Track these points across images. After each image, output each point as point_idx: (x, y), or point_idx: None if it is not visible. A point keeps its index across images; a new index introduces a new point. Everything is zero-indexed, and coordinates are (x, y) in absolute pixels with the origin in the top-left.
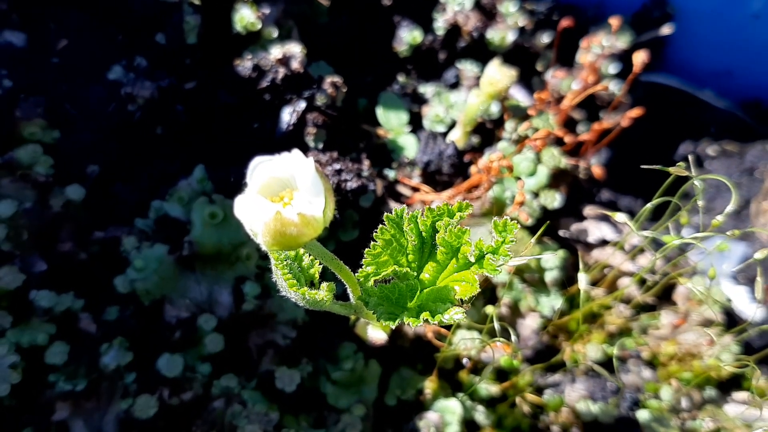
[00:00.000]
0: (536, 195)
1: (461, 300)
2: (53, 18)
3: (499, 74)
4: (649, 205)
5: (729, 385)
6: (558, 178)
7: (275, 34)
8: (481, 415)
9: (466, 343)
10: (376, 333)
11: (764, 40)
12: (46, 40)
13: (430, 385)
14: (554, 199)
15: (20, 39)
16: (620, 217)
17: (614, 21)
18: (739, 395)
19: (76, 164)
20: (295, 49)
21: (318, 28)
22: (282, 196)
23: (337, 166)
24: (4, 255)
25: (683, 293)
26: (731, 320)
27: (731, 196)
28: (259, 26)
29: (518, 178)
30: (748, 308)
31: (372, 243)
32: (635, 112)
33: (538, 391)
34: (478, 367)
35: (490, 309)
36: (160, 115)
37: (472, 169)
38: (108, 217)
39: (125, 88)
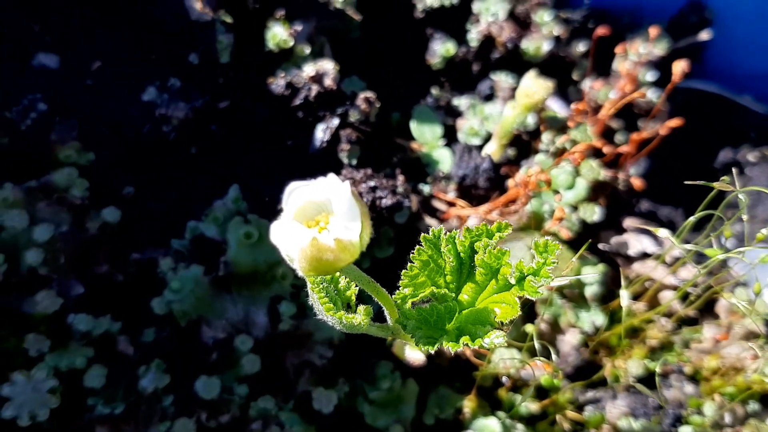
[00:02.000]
0: (575, 208)
1: (501, 323)
2: (86, 39)
3: (535, 86)
4: (692, 219)
5: None
6: (597, 191)
7: (308, 50)
8: None
9: (505, 361)
10: (414, 354)
11: None
12: (79, 62)
13: (468, 404)
14: (594, 213)
15: (54, 61)
16: (663, 232)
17: (653, 30)
18: None
19: (111, 186)
20: (327, 66)
21: (350, 43)
22: (318, 220)
23: (372, 183)
24: (42, 279)
25: (726, 306)
26: None
27: None
28: (292, 43)
29: (556, 192)
30: None
31: (409, 264)
32: (675, 122)
33: (579, 408)
34: (517, 385)
35: (530, 327)
36: (194, 136)
37: (509, 182)
38: (144, 238)
39: (159, 110)
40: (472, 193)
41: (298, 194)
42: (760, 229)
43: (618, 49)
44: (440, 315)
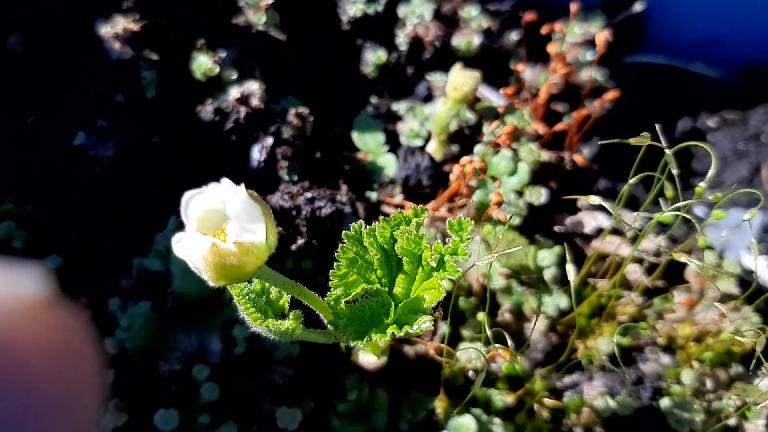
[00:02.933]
0: (521, 194)
1: (433, 308)
2: (20, 96)
3: (462, 78)
4: (632, 181)
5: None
6: (544, 174)
7: (234, 75)
8: (498, 428)
9: (470, 356)
10: (367, 357)
11: (746, 5)
12: (14, 119)
13: (439, 404)
14: (540, 195)
15: None
16: (594, 199)
17: (573, 5)
18: None
19: (53, 234)
20: (253, 87)
21: (281, 64)
22: (223, 228)
23: (309, 195)
24: None
25: (694, 272)
26: (750, 293)
27: (741, 166)
28: (218, 70)
29: (494, 179)
30: None
31: (335, 263)
32: (612, 94)
33: (557, 394)
34: (490, 379)
35: (481, 316)
36: (128, 173)
37: (451, 177)
38: (91, 280)
39: (90, 152)
40: (418, 192)
41: (194, 204)
42: (728, 191)
43: (546, 30)
44: (373, 311)
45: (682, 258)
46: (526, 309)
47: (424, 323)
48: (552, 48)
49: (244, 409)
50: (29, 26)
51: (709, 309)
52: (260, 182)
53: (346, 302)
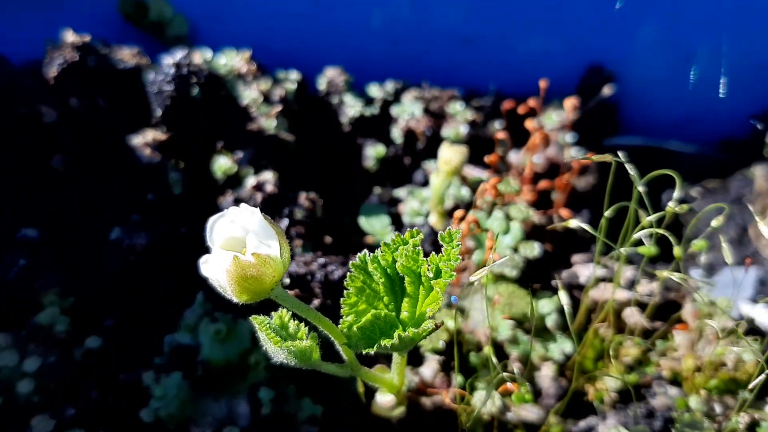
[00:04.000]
0: (516, 249)
1: (435, 326)
2: (66, 203)
3: (450, 152)
4: (606, 213)
5: (763, 389)
6: (537, 235)
7: (251, 172)
8: None
9: (485, 404)
10: (383, 398)
11: (712, 86)
12: (58, 224)
13: None
14: (533, 249)
15: (34, 233)
16: (573, 222)
17: (568, 102)
18: None
19: (93, 321)
20: (267, 176)
21: (291, 163)
22: (243, 251)
23: (322, 261)
24: (36, 406)
25: (690, 312)
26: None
27: (728, 228)
28: (236, 169)
29: (487, 230)
30: None
31: (345, 291)
32: (584, 162)
33: None
34: (507, 428)
35: (473, 358)
36: (158, 260)
37: None
38: (129, 360)
39: (124, 242)
40: None
41: (218, 229)
42: (720, 255)
43: (523, 110)
44: (381, 328)
45: (665, 273)
46: (533, 357)
47: (427, 325)
48: (530, 125)
49: None
50: (70, 147)
51: (710, 345)
52: None
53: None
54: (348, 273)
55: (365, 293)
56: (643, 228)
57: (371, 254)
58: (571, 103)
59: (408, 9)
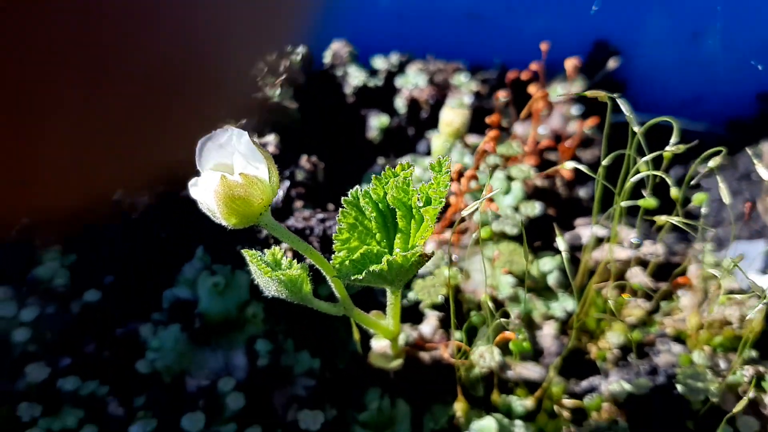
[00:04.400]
0: (516, 209)
1: (427, 256)
2: None
3: (452, 114)
4: (604, 162)
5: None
6: (539, 198)
7: (254, 139)
8: (520, 429)
9: (485, 359)
10: (379, 343)
11: (719, 65)
12: None
13: (459, 406)
14: (534, 208)
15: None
16: (569, 164)
17: (569, 63)
18: None
19: (93, 278)
20: (269, 138)
21: (295, 133)
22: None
23: (320, 216)
24: (32, 355)
25: (696, 273)
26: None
27: (737, 203)
28: None
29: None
30: None
31: (338, 227)
32: (591, 121)
33: (576, 397)
34: (508, 386)
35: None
36: (160, 220)
37: (451, 198)
38: (127, 315)
39: (125, 199)
40: None
41: (207, 151)
42: (729, 229)
43: (533, 90)
44: (372, 261)
45: (663, 218)
46: (535, 316)
47: (417, 252)
48: (536, 106)
49: (270, 419)
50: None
51: (715, 305)
52: (279, 216)
53: None
54: (340, 209)
55: (357, 230)
56: (639, 172)
57: (362, 189)
58: (572, 63)
59: None
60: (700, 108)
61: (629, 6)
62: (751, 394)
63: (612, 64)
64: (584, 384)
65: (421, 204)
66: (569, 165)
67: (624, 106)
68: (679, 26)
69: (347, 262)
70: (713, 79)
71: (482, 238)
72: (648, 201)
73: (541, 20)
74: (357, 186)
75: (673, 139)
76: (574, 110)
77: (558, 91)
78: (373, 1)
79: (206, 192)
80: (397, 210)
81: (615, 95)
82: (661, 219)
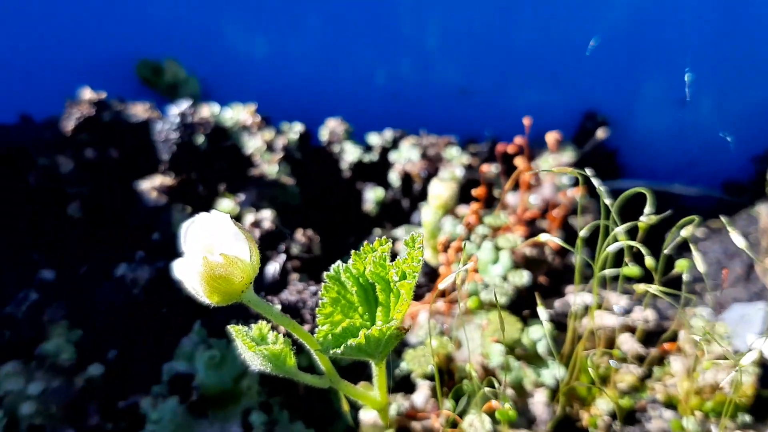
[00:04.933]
0: (505, 278)
1: (404, 329)
2: (78, 252)
3: (440, 187)
4: (581, 233)
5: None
6: (528, 266)
7: (253, 212)
8: None
9: (475, 427)
10: (366, 414)
11: (709, 130)
12: (70, 267)
13: None
14: (522, 277)
15: (51, 275)
16: (544, 236)
17: (550, 138)
18: None
19: (97, 352)
20: (265, 214)
21: (292, 208)
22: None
23: (314, 289)
24: (37, 428)
25: (688, 338)
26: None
27: (734, 266)
28: (238, 210)
29: (470, 257)
30: None
31: (321, 302)
32: (576, 191)
33: None
34: None
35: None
36: (162, 296)
37: (441, 269)
38: (129, 388)
39: (128, 276)
40: (416, 292)
41: (191, 234)
42: (728, 292)
43: (520, 162)
44: (353, 333)
45: (641, 287)
46: (527, 384)
47: (394, 325)
48: (519, 162)
49: None
50: (85, 195)
51: (707, 371)
52: (274, 289)
53: None
54: (323, 284)
55: (340, 303)
56: (616, 240)
57: (344, 266)
58: (553, 137)
59: (408, 66)
60: (695, 172)
61: (617, 76)
62: None
63: (600, 134)
64: None
65: (397, 279)
66: (544, 237)
67: (594, 180)
68: (667, 93)
69: (330, 336)
70: (706, 144)
71: (471, 307)
72: (630, 269)
73: (531, 94)
74: (339, 261)
75: (647, 209)
76: (565, 180)
77: (549, 161)
78: (368, 81)
79: (190, 272)
80: (376, 284)
81: (588, 174)
82: (640, 287)
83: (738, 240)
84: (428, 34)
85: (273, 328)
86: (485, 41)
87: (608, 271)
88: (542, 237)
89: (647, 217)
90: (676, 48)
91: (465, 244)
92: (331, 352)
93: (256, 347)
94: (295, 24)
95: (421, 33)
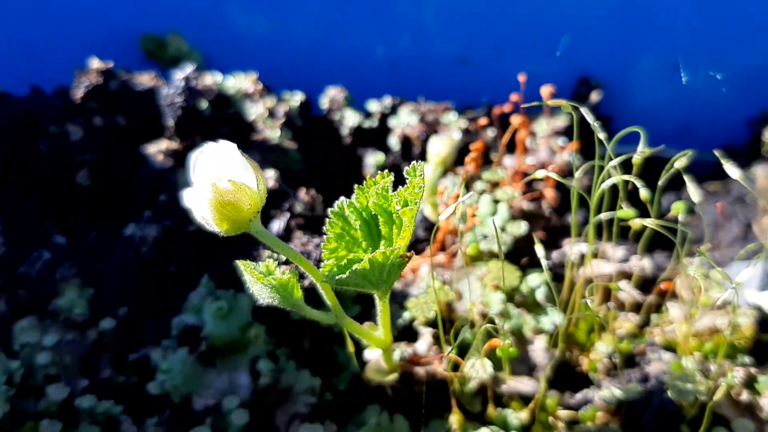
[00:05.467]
0: (504, 229)
1: (407, 257)
2: (87, 222)
3: (439, 143)
4: (577, 174)
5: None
6: (528, 221)
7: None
8: None
9: (478, 372)
10: (371, 353)
11: (704, 96)
12: (81, 232)
13: (455, 419)
14: (520, 227)
15: (63, 240)
16: (541, 172)
17: (545, 90)
18: None
19: (109, 309)
20: (269, 173)
21: (295, 173)
22: None
23: (317, 241)
24: (53, 378)
25: (685, 285)
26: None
27: (732, 226)
28: None
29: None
30: None
31: (325, 237)
32: (570, 146)
33: (571, 410)
34: (503, 401)
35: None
36: (169, 254)
37: (440, 221)
38: (140, 342)
39: (137, 234)
40: (416, 246)
41: (199, 164)
42: (726, 251)
43: (517, 123)
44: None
45: (637, 221)
46: (526, 331)
47: (398, 252)
48: (519, 136)
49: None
50: (94, 162)
51: (705, 315)
52: None
53: None
54: (327, 219)
55: (345, 239)
56: (610, 178)
57: (347, 201)
58: (547, 90)
59: (407, 38)
60: (691, 137)
61: (611, 44)
62: (745, 396)
63: (595, 96)
64: (578, 396)
65: (399, 207)
66: (540, 173)
67: (588, 116)
68: (661, 60)
69: (335, 269)
70: (701, 109)
71: (471, 254)
72: (626, 212)
73: (526, 62)
74: (342, 197)
75: (640, 147)
76: (560, 142)
77: (544, 126)
78: (368, 52)
79: (199, 201)
80: (379, 217)
81: (578, 106)
82: (635, 222)
83: (733, 172)
84: (426, 7)
85: (279, 265)
86: (481, 12)
87: (604, 215)
88: (539, 174)
89: (641, 153)
90: (670, 16)
91: (462, 193)
92: (336, 278)
93: (264, 278)
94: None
95: (418, 7)
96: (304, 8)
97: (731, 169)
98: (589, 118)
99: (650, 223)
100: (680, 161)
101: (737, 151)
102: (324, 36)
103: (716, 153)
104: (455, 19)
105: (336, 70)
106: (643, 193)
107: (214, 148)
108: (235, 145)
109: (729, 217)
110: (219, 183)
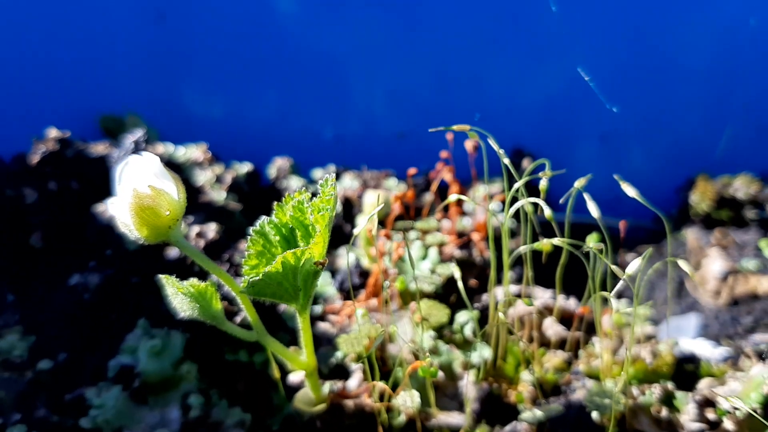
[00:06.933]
0: (433, 271)
1: (320, 263)
2: (39, 270)
3: (373, 195)
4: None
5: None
6: (461, 268)
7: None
8: None
9: (407, 406)
10: (294, 376)
11: (634, 167)
12: (27, 291)
13: None
14: (448, 268)
15: (12, 297)
16: (453, 197)
17: (469, 144)
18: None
19: (48, 353)
20: (211, 226)
21: (238, 230)
22: None
23: None
24: None
25: (611, 322)
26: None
27: (664, 284)
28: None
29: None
30: (712, 353)
31: (247, 253)
32: (498, 197)
33: None
34: None
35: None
36: (110, 297)
37: (373, 268)
38: (77, 384)
39: (80, 283)
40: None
41: (124, 175)
42: (661, 308)
43: (453, 190)
44: None
45: (545, 242)
46: (456, 366)
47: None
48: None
49: None
50: (46, 223)
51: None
52: None
53: None
54: (248, 237)
55: (265, 256)
56: (517, 202)
57: (268, 219)
58: (470, 144)
59: (355, 120)
60: (624, 207)
61: (543, 118)
62: (665, 413)
63: (525, 163)
64: (507, 429)
65: (313, 217)
66: (453, 197)
67: (493, 145)
68: (590, 130)
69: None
70: (631, 180)
71: (402, 295)
72: (543, 244)
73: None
74: (264, 216)
75: (545, 174)
76: (494, 206)
77: (480, 191)
78: (317, 132)
79: (121, 207)
80: (296, 231)
81: (476, 130)
82: (544, 243)
83: (630, 191)
84: (376, 92)
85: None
86: (423, 97)
87: (523, 248)
88: (451, 198)
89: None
90: (601, 104)
91: (401, 251)
92: (252, 283)
93: (182, 286)
94: (251, 87)
95: (369, 94)
96: (259, 94)
97: (629, 190)
98: (495, 146)
99: (558, 242)
100: (579, 182)
101: (669, 216)
102: (277, 120)
103: (615, 177)
104: (400, 101)
105: (285, 146)
106: (548, 212)
107: (138, 160)
108: (157, 157)
109: (662, 276)
110: (139, 187)
